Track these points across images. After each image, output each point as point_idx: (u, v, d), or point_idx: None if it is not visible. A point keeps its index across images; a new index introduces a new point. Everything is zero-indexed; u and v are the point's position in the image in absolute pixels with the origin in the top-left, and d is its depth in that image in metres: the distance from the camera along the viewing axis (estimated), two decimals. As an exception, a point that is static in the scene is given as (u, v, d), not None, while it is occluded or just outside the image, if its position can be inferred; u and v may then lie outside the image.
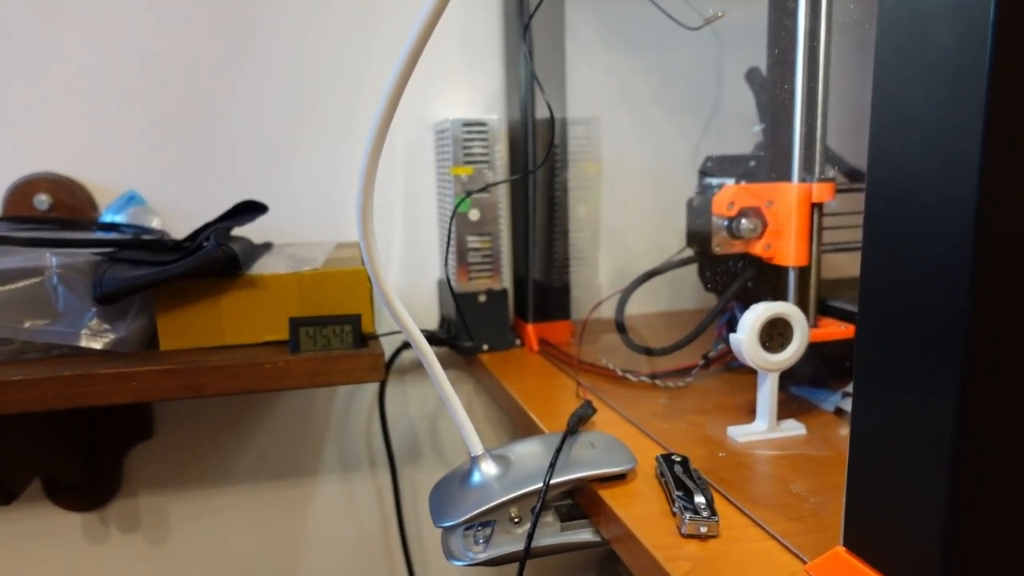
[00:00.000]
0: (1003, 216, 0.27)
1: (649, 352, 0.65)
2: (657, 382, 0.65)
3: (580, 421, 0.53)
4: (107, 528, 0.85)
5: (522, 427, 0.63)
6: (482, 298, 0.81)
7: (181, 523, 0.87)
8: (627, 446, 0.50)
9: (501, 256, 0.81)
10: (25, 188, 0.77)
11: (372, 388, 0.90)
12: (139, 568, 0.86)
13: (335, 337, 0.56)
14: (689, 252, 0.68)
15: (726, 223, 0.61)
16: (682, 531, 0.40)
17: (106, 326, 0.55)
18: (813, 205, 0.59)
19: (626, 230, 0.95)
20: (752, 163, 0.65)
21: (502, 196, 0.86)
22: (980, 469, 0.28)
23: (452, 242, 0.79)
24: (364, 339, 0.58)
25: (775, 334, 0.53)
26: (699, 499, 0.41)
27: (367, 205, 0.39)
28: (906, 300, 0.30)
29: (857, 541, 0.34)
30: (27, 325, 0.54)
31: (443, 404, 0.93)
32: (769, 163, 0.62)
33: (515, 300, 0.88)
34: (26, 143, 0.77)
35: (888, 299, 0.31)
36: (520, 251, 0.85)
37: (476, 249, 0.80)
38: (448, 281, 0.77)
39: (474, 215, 0.79)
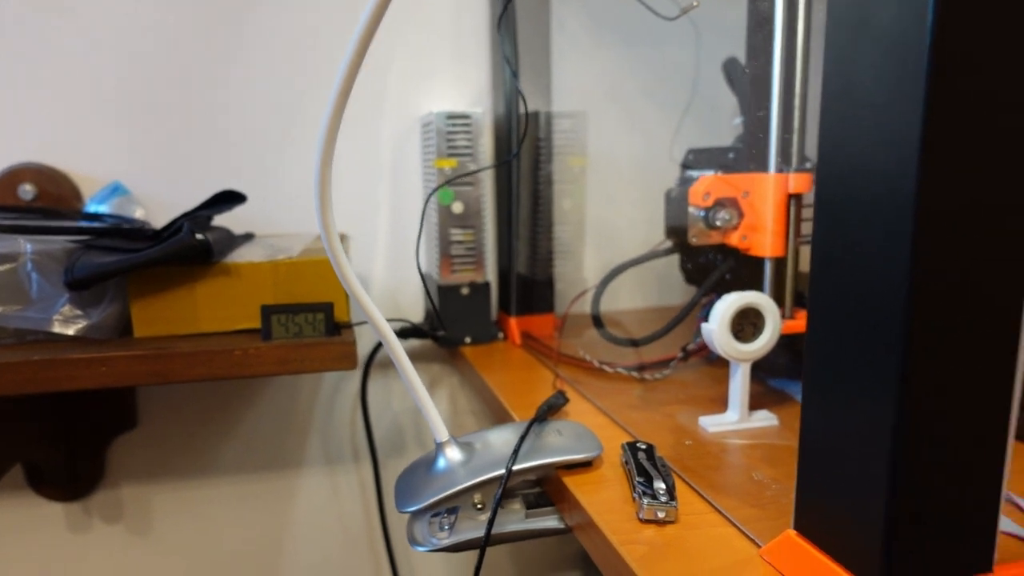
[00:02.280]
0: (943, 197, 0.27)
1: (624, 343, 0.65)
2: (634, 374, 0.65)
3: (550, 409, 0.53)
4: (90, 518, 0.85)
5: (499, 418, 0.63)
6: (465, 291, 0.81)
7: (165, 514, 0.87)
8: (595, 434, 0.50)
9: (485, 249, 0.81)
10: (10, 178, 0.77)
11: (356, 381, 0.90)
12: (123, 559, 0.86)
13: (307, 325, 0.56)
14: (668, 244, 0.68)
15: (702, 214, 0.61)
16: (640, 516, 0.40)
17: (78, 312, 0.55)
18: (790, 196, 0.58)
19: (612, 225, 0.95)
20: (731, 155, 0.65)
21: (487, 190, 0.86)
22: (920, 454, 0.28)
23: (423, 232, 0.79)
24: (337, 328, 0.58)
25: (747, 324, 0.53)
26: (659, 484, 0.41)
27: (325, 192, 0.39)
28: (851, 285, 0.30)
29: (807, 525, 0.33)
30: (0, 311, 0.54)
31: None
32: (747, 154, 0.62)
33: (499, 293, 0.88)
34: (10, 133, 0.78)
35: (836, 285, 0.31)
36: (504, 244, 0.85)
37: (459, 242, 0.80)
38: (419, 269, 0.77)
39: (457, 208, 0.79)
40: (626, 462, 0.46)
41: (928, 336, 0.27)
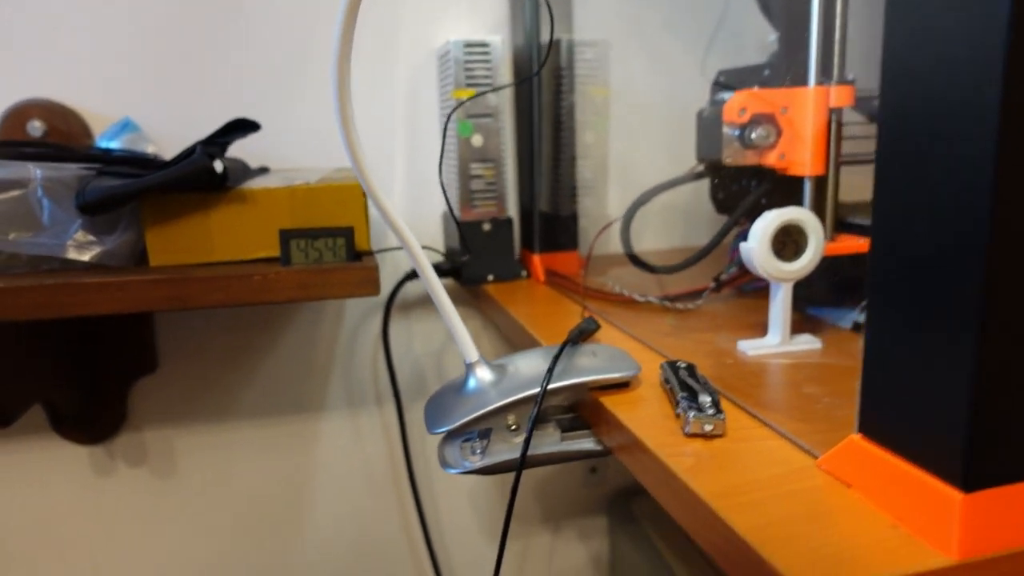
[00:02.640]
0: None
1: (655, 269, 0.63)
2: (666, 303, 0.63)
3: (582, 334, 0.51)
4: (114, 461, 0.85)
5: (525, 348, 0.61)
6: (486, 227, 0.78)
7: (187, 457, 0.86)
8: (630, 355, 0.48)
9: (506, 184, 0.79)
10: (18, 114, 0.75)
11: (377, 324, 0.88)
12: (146, 501, 0.86)
13: (327, 250, 0.54)
14: (700, 168, 0.65)
15: (737, 132, 0.58)
16: (686, 430, 0.38)
17: (92, 238, 0.53)
18: (831, 111, 0.55)
19: (635, 161, 0.92)
20: (767, 72, 0.62)
21: (507, 123, 0.83)
22: (1005, 339, 0.26)
23: (444, 166, 0.77)
24: (358, 254, 0.55)
25: (788, 242, 0.51)
26: (704, 398, 0.39)
27: (347, 115, 0.37)
28: (923, 192, 0.27)
29: (875, 427, 0.31)
30: (11, 237, 0.52)
31: (448, 340, 0.91)
32: (784, 69, 0.59)
33: (521, 231, 0.86)
34: (19, 69, 0.75)
35: (906, 191, 0.28)
36: (526, 180, 0.82)
37: (479, 176, 0.78)
38: (447, 200, 0.75)
39: (477, 141, 0.76)
40: (666, 380, 0.44)
41: (1011, 239, 0.25)
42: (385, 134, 0.85)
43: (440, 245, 0.89)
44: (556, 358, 0.44)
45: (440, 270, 0.82)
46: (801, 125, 0.56)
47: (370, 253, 0.57)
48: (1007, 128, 0.24)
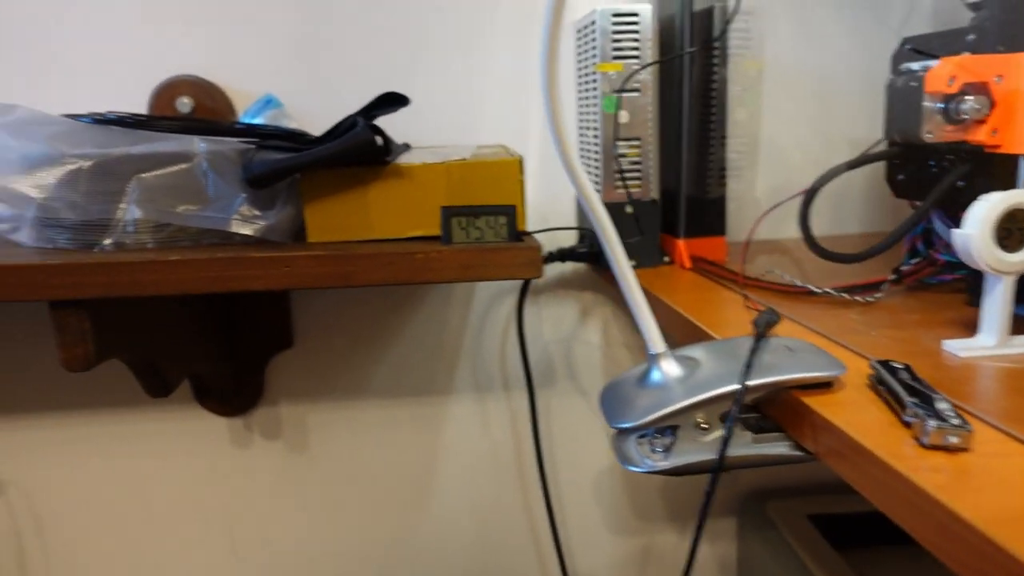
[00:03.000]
0: None
1: (838, 258, 0.57)
2: (844, 295, 0.57)
3: (768, 325, 0.46)
4: (251, 433, 0.86)
5: (687, 340, 0.57)
6: (629, 209, 0.74)
7: (319, 433, 0.87)
8: (830, 353, 0.43)
9: (649, 164, 0.75)
10: (169, 91, 0.76)
11: (507, 307, 0.86)
12: (279, 472, 0.88)
13: (488, 229, 0.52)
14: (883, 146, 0.59)
15: (942, 105, 0.51)
16: (924, 441, 0.33)
17: (256, 212, 0.53)
18: (1058, 79, 0.48)
19: (783, 141, 0.85)
20: (971, 36, 0.55)
21: (652, 99, 0.78)
22: None
23: (581, 147, 0.73)
24: (519, 234, 0.53)
25: (1014, 229, 0.45)
26: (942, 405, 0.34)
27: (554, 93, 0.34)
28: None
29: None
30: (180, 210, 0.52)
31: (578, 327, 0.88)
32: (996, 32, 0.52)
33: (663, 214, 0.81)
34: (169, 46, 0.76)
35: None
36: (671, 159, 0.77)
37: (623, 155, 0.74)
38: (575, 182, 0.71)
39: (623, 117, 0.72)
40: (879, 382, 0.39)
41: None
42: (520, 110, 0.82)
43: (571, 224, 0.86)
44: (753, 351, 0.40)
45: (576, 253, 0.79)
46: (1019, 96, 0.49)
47: (528, 233, 0.54)
48: None
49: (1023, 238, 0.45)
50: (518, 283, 0.84)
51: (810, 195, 0.56)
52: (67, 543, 0.87)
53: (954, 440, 0.33)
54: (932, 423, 0.33)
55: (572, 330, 0.88)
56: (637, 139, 0.74)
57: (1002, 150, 0.51)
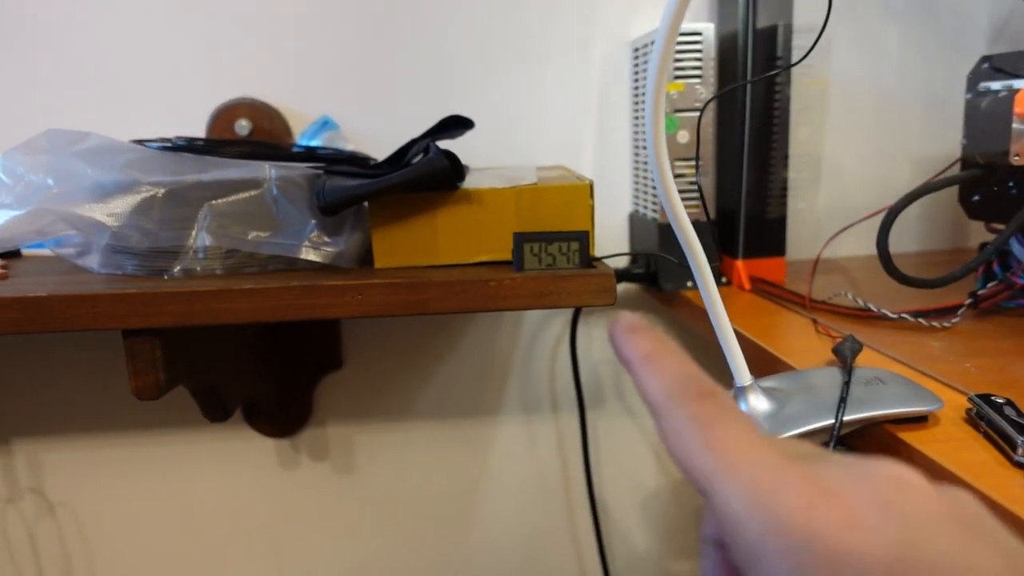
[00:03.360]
0: None
1: (916, 283, 0.56)
2: (921, 320, 0.56)
3: (853, 354, 0.45)
4: (298, 455, 0.86)
5: (757, 367, 0.56)
6: (687, 230, 0.73)
7: (366, 454, 0.87)
8: (921, 385, 0.42)
9: (709, 183, 0.74)
10: (228, 113, 0.77)
11: (559, 326, 0.85)
12: (326, 493, 0.87)
13: (561, 256, 0.51)
14: (960, 168, 0.57)
15: (1031, 127, 0.50)
16: (1041, 483, 0.32)
17: (326, 239, 0.53)
18: None
19: (844, 159, 0.84)
20: (1057, 57, 0.53)
21: (711, 118, 0.77)
22: None
23: (634, 168, 0.72)
24: (590, 260, 0.52)
25: (1113, 257, 0.43)
26: (1059, 445, 0.33)
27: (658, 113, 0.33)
28: None
29: None
30: (251, 236, 0.52)
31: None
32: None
33: (719, 235, 0.80)
34: (226, 69, 0.77)
35: None
36: (729, 179, 0.76)
37: (681, 175, 0.73)
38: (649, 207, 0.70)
39: (683, 137, 0.72)
40: (980, 416, 0.38)
41: None
42: (575, 130, 0.82)
43: (623, 246, 0.85)
44: (846, 384, 0.39)
45: (631, 274, 0.78)
46: (1109, 119, 0.48)
47: (599, 259, 0.54)
48: None
49: (1123, 266, 0.43)
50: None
51: (890, 218, 0.55)
52: (114, 564, 0.88)
53: (1077, 483, 0.31)
54: (1052, 465, 0.32)
55: (624, 351, 0.86)
56: (697, 159, 0.73)
57: (1091, 173, 0.49)
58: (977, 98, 0.57)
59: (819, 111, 0.75)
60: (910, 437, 0.38)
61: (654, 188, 0.73)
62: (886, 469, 0.19)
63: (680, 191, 0.72)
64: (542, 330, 0.86)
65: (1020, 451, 0.34)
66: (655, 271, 0.76)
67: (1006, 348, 0.51)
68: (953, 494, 0.19)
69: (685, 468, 0.21)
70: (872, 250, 0.79)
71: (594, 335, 0.87)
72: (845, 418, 0.38)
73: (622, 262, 0.84)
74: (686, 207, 0.74)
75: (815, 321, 0.60)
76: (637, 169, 0.81)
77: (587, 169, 0.83)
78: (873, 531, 0.18)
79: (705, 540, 0.23)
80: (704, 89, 0.71)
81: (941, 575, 0.17)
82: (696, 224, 0.74)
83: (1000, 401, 0.38)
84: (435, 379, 0.86)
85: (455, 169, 0.50)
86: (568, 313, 0.84)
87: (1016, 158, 0.50)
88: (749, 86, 0.72)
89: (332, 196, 0.49)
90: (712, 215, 0.81)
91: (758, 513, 0.19)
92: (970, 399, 0.39)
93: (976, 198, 0.60)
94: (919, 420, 0.40)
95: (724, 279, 0.76)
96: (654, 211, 0.75)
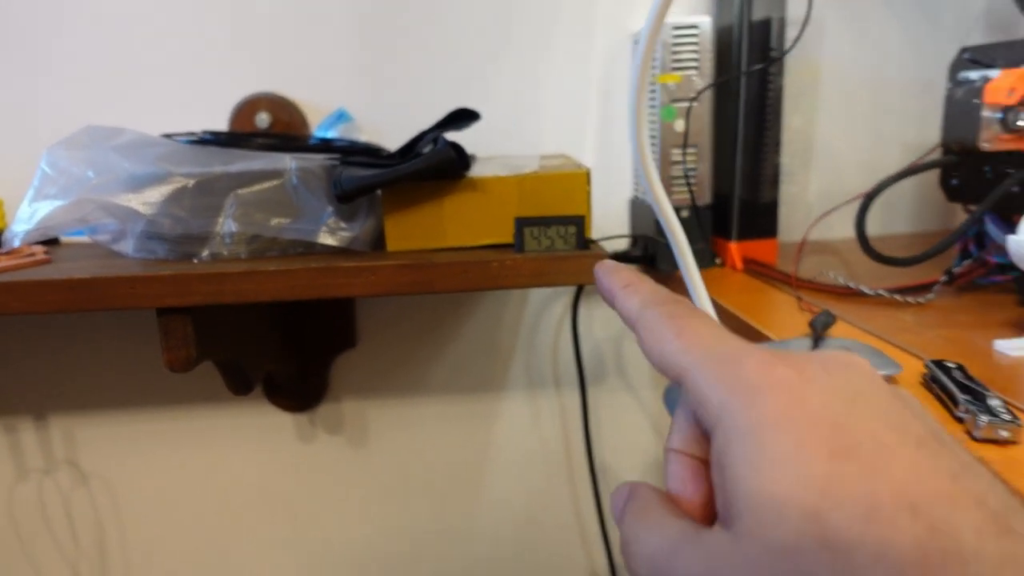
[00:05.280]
0: None
1: (891, 261, 0.60)
2: (896, 296, 0.59)
3: (825, 326, 0.49)
4: (315, 429, 0.91)
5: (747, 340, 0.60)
6: (684, 214, 0.77)
7: (379, 428, 0.92)
8: (885, 352, 0.46)
9: (705, 169, 0.77)
10: (249, 107, 0.81)
11: (561, 306, 0.90)
12: (341, 466, 0.93)
13: (559, 238, 0.55)
14: (937, 154, 0.61)
15: (1001, 115, 0.53)
16: (976, 435, 0.36)
17: (342, 224, 0.57)
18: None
19: (836, 145, 0.87)
20: (1027, 48, 0.57)
21: (708, 107, 0.81)
22: None
23: (635, 154, 0.76)
24: (586, 242, 0.56)
25: (1066, 236, 0.47)
26: (994, 402, 0.37)
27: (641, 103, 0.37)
28: None
29: None
30: (273, 223, 0.57)
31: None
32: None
33: (714, 218, 0.84)
34: (247, 65, 0.81)
35: None
36: (725, 164, 0.80)
37: (678, 162, 0.77)
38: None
39: (679, 126, 0.75)
40: (934, 380, 0.42)
41: None
42: (576, 118, 0.85)
43: (626, 231, 0.89)
44: (807, 347, 0.43)
45: (630, 257, 0.83)
46: (1071, 108, 0.51)
47: (594, 241, 0.58)
48: None
49: (1074, 244, 0.47)
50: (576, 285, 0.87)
51: (866, 202, 0.59)
52: (144, 531, 0.93)
53: (1005, 434, 0.35)
54: (984, 418, 0.36)
55: (622, 329, 0.91)
56: (693, 147, 0.77)
57: (1054, 158, 0.53)
58: (956, 87, 0.61)
59: (811, 98, 0.78)
60: (869, 399, 0.42)
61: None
62: (838, 353, 0.23)
63: (676, 177, 0.77)
64: (545, 310, 0.90)
65: (961, 408, 0.38)
66: (653, 253, 0.80)
67: (972, 321, 0.55)
68: (891, 387, 0.22)
69: (660, 360, 0.24)
70: (873, 230, 0.83)
71: (596, 315, 0.91)
72: (811, 382, 0.42)
73: (623, 244, 0.88)
74: (682, 193, 0.78)
75: (799, 298, 0.64)
76: (635, 154, 0.84)
77: (589, 157, 0.87)
78: (822, 385, 0.21)
79: (669, 449, 0.26)
80: (700, 80, 0.75)
81: (877, 431, 0.20)
82: (692, 208, 0.78)
83: (951, 366, 0.42)
84: (444, 358, 0.91)
85: (461, 159, 0.55)
86: (570, 294, 0.88)
87: (986, 144, 0.54)
88: (744, 76, 0.76)
89: (348, 185, 0.54)
90: (709, 200, 0.85)
91: (724, 376, 0.21)
92: (925, 364, 0.43)
93: (954, 182, 0.64)
94: (880, 385, 0.44)
95: (718, 260, 0.80)
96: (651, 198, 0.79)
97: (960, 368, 0.42)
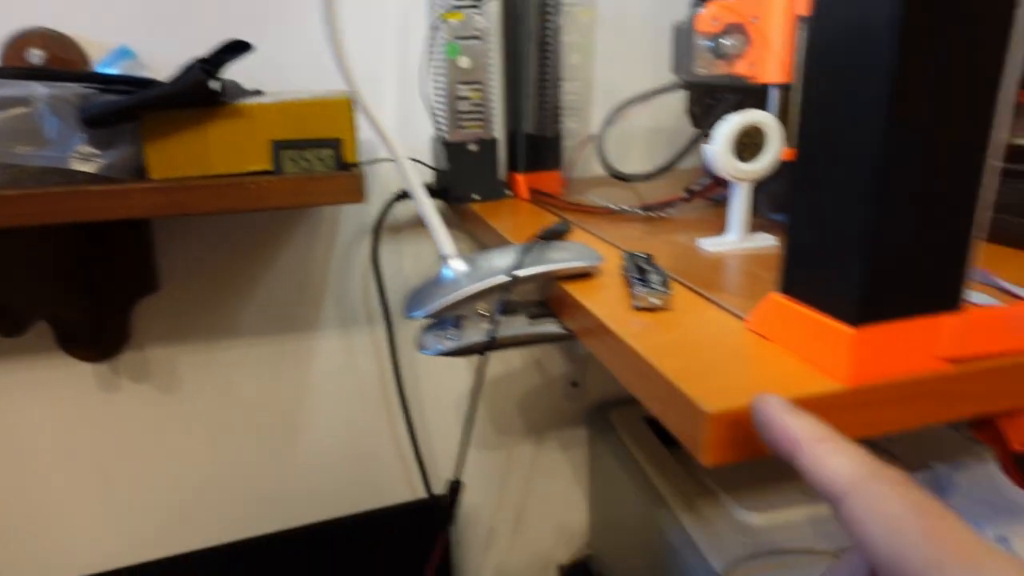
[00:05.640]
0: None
1: (627, 178, 0.66)
2: (639, 212, 0.66)
3: (553, 233, 0.54)
4: (118, 377, 0.89)
5: (505, 256, 0.65)
6: (472, 147, 0.81)
7: (190, 374, 0.91)
8: (595, 250, 0.52)
9: (492, 106, 0.81)
10: (18, 43, 0.77)
11: (367, 246, 0.92)
12: (151, 415, 0.91)
13: (317, 160, 0.57)
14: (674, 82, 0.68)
15: (710, 43, 0.60)
16: (635, 304, 0.42)
17: (96, 151, 0.57)
18: (799, 18, 0.58)
19: (619, 82, 0.94)
20: (738, -14, 0.64)
21: (493, 44, 0.85)
22: (888, 215, 0.30)
23: (431, 91, 0.79)
24: (347, 165, 0.59)
25: (750, 144, 0.54)
26: (653, 277, 0.43)
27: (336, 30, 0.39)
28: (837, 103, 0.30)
29: (790, 284, 0.35)
30: (19, 150, 0.56)
31: (436, 261, 0.95)
32: (753, -17, 0.61)
33: (508, 152, 0.89)
34: (15, -3, 0.77)
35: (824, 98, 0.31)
36: (512, 101, 0.85)
37: (465, 98, 0.80)
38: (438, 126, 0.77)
39: (464, 63, 0.79)
40: (625, 268, 0.48)
41: (894, 145, 0.28)
42: (375, 58, 0.87)
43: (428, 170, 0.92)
44: (526, 248, 0.48)
45: (429, 190, 0.86)
46: (770, 34, 0.58)
47: (356, 165, 0.60)
48: (902, 62, 0.27)
49: (756, 151, 0.54)
50: (376, 221, 0.90)
51: (603, 127, 0.64)
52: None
53: (656, 301, 0.42)
54: (641, 289, 0.42)
55: (430, 264, 0.94)
56: (478, 83, 0.80)
57: (757, 80, 0.60)
58: (682, 23, 0.67)
59: (588, 39, 0.84)
60: (572, 287, 0.48)
61: (446, 110, 0.80)
62: None
63: (463, 112, 0.80)
64: (354, 248, 0.92)
65: (635, 288, 0.43)
66: (446, 187, 0.83)
67: (693, 227, 0.62)
68: None
69: (892, 552, 0.21)
70: (659, 164, 0.89)
71: (405, 251, 0.94)
72: (519, 273, 0.47)
73: (429, 178, 0.91)
74: (471, 128, 0.82)
75: (561, 218, 0.69)
76: (431, 91, 0.87)
77: (390, 95, 0.89)
78: None
79: None
80: (483, 19, 0.78)
81: None
82: (481, 142, 0.81)
83: (641, 255, 0.48)
84: (253, 299, 0.91)
85: (215, 85, 0.55)
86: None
87: (701, 70, 0.61)
88: (524, 19, 0.80)
89: (95, 109, 0.54)
90: (499, 135, 0.90)
91: None
92: (622, 255, 0.49)
93: (695, 110, 0.71)
94: (589, 275, 0.50)
95: (509, 192, 0.85)
96: (444, 131, 0.82)
97: (648, 259, 0.48)
